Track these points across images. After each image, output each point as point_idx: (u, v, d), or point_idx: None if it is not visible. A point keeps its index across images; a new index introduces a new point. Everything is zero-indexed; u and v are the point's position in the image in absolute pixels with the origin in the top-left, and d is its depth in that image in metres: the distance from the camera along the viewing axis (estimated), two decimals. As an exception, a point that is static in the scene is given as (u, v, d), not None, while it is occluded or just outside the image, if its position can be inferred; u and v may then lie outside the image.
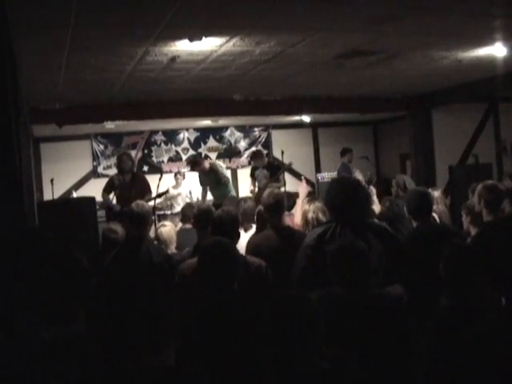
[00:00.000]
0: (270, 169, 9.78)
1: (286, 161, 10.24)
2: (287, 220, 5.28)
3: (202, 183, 9.49)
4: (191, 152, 12.94)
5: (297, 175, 13.19)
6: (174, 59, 6.24)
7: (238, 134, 13.33)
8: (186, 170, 12.38)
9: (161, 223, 5.81)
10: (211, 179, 9.28)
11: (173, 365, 1.99)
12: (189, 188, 11.00)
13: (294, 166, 12.59)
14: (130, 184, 8.58)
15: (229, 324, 3.00)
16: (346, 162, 10.87)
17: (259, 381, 2.52)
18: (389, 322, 3.06)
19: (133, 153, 12.44)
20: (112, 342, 1.86)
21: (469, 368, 2.90)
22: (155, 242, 5.55)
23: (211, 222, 4.28)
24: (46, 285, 2.18)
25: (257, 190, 9.74)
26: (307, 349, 2.45)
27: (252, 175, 10.01)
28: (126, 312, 1.88)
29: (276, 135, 13.53)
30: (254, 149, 12.64)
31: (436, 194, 6.05)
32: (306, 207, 5.17)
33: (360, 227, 3.66)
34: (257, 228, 5.23)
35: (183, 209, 6.77)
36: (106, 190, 8.83)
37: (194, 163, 9.65)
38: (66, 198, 10.95)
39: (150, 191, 8.54)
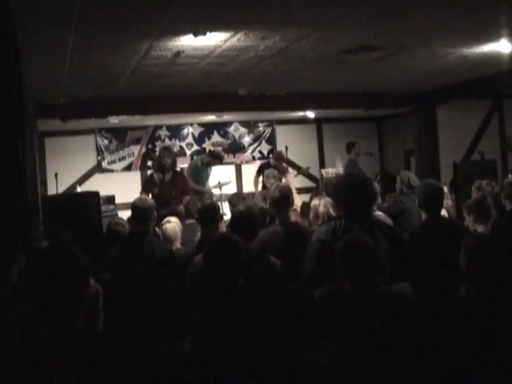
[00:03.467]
0: (281, 170, 9.78)
1: (292, 157, 10.27)
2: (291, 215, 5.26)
3: (200, 178, 9.30)
4: (195, 147, 12.92)
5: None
6: (178, 54, 6.23)
7: (243, 130, 13.30)
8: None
9: (166, 219, 5.81)
10: (207, 173, 9.38)
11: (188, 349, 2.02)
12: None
13: (298, 162, 12.62)
14: (170, 184, 7.93)
15: (233, 319, 3.01)
16: (353, 158, 10.71)
17: (264, 374, 2.53)
18: (396, 320, 3.06)
19: (137, 148, 12.47)
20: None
21: (485, 357, 2.89)
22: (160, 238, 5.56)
23: (231, 217, 4.29)
24: (45, 280, 2.18)
25: (260, 188, 9.76)
26: (306, 344, 2.46)
27: (260, 173, 9.98)
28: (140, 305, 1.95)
29: (280, 131, 13.50)
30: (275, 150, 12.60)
31: (444, 188, 6.05)
32: (316, 202, 5.19)
33: (368, 224, 3.68)
34: None
35: (186, 204, 6.81)
36: (146, 190, 7.98)
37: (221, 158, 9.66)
38: (70, 193, 10.96)
39: (189, 192, 8.03)
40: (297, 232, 4.49)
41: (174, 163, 8.27)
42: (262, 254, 3.95)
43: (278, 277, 3.84)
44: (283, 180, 9.30)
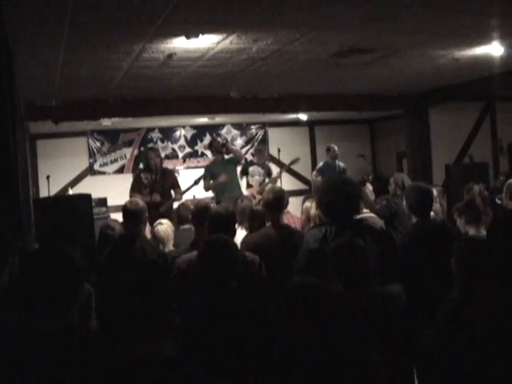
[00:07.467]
0: (266, 168, 9.75)
1: (284, 159, 10.23)
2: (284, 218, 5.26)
3: (210, 176, 8.91)
4: (188, 149, 12.92)
5: (294, 174, 13.19)
6: (170, 56, 6.23)
7: (235, 132, 13.31)
8: (181, 167, 12.40)
9: (158, 221, 5.78)
10: (230, 171, 8.91)
11: (172, 354, 2.02)
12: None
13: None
14: (160, 181, 8.14)
15: (226, 321, 3.00)
16: (329, 161, 10.66)
17: (256, 374, 2.53)
18: (387, 321, 3.06)
19: (129, 150, 12.45)
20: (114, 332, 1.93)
21: (473, 362, 2.89)
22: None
23: (208, 218, 4.28)
24: (40, 281, 2.18)
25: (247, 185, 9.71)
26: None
27: (243, 173, 9.91)
28: (125, 308, 1.94)
29: (273, 133, 13.51)
30: (255, 146, 12.89)
31: (434, 191, 6.06)
32: (307, 204, 5.19)
33: (358, 229, 3.68)
34: (249, 227, 5.18)
35: (178, 210, 6.59)
36: (135, 190, 8.13)
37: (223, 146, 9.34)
38: (62, 195, 10.92)
39: (179, 185, 8.35)
40: (288, 235, 4.49)
41: (162, 163, 8.54)
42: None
43: (258, 272, 3.84)
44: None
